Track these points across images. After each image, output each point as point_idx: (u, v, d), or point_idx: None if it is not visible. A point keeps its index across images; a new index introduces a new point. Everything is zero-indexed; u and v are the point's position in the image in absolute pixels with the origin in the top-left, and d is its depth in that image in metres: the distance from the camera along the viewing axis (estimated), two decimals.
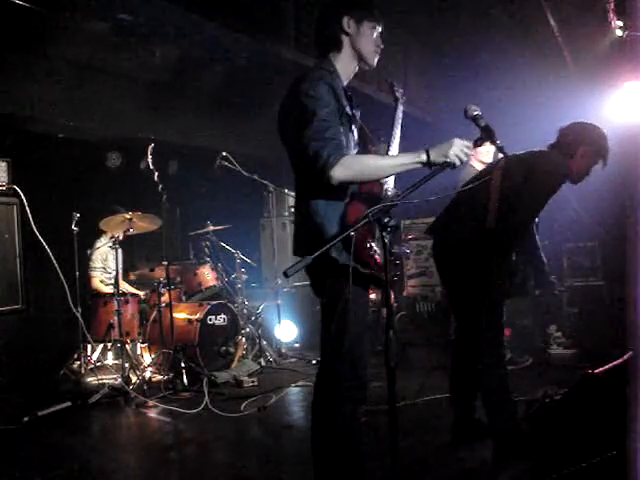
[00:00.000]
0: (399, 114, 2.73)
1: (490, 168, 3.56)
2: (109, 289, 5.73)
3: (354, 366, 2.32)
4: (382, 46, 2.51)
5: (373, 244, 2.31)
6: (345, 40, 2.44)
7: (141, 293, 5.82)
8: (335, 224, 2.27)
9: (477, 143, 2.29)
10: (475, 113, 2.31)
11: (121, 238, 5.52)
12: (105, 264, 5.89)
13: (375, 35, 2.47)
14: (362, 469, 2.38)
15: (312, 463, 2.37)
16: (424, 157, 2.22)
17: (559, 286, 3.63)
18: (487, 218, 3.24)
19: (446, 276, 3.56)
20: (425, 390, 4.29)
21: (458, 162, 2.22)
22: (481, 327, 3.39)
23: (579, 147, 3.32)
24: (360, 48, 2.46)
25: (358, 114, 2.50)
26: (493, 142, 2.28)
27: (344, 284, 2.20)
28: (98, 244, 5.80)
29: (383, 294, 2.37)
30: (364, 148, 2.54)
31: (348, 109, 2.37)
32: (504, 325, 3.52)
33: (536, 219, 3.45)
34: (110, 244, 5.48)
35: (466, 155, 2.23)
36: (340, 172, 2.17)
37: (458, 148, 2.22)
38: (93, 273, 5.79)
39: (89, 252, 5.76)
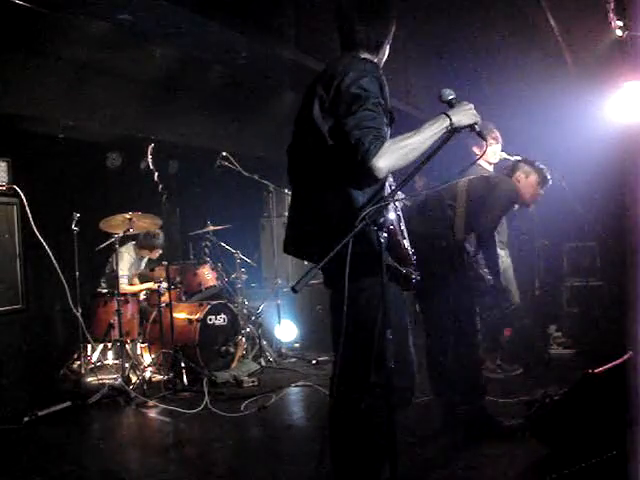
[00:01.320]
0: None
1: (459, 179, 3.82)
2: (138, 287, 5.89)
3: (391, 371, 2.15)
4: None
5: (405, 241, 2.25)
6: (385, 46, 2.42)
7: (155, 286, 5.69)
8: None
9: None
10: (450, 97, 2.24)
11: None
12: (130, 271, 5.94)
13: None
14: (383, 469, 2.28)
15: (309, 463, 2.34)
16: (448, 121, 2.13)
17: (510, 304, 3.96)
18: (456, 232, 3.60)
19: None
20: (425, 390, 4.28)
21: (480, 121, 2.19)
22: (454, 325, 3.66)
23: (515, 172, 3.99)
24: (385, 56, 2.46)
25: None
26: (472, 128, 2.19)
27: (378, 284, 2.07)
28: (122, 250, 5.73)
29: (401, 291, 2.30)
30: None
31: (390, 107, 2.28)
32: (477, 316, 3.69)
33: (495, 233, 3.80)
34: (130, 251, 5.45)
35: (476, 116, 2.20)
36: (383, 162, 2.02)
37: (470, 107, 2.19)
38: (122, 280, 5.64)
39: (109, 260, 5.73)
